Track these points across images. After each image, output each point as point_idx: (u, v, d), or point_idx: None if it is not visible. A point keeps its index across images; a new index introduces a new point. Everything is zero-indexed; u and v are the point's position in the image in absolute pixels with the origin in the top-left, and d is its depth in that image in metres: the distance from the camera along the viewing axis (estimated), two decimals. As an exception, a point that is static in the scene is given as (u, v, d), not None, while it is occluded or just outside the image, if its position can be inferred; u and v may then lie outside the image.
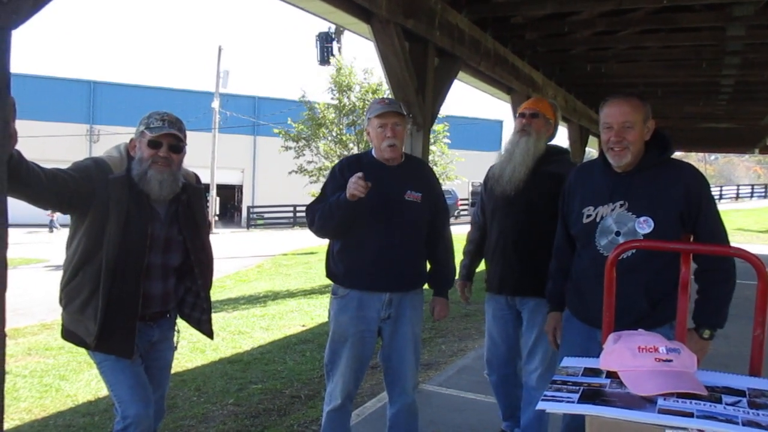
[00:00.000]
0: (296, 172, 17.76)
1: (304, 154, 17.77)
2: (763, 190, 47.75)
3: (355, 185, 2.68)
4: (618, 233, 2.40)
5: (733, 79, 8.28)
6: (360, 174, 2.71)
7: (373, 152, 3.04)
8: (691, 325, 2.34)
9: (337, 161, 16.37)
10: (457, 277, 3.33)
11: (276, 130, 18.60)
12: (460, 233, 3.33)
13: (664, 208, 2.34)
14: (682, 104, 10.91)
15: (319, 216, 2.91)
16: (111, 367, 2.54)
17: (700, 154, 51.78)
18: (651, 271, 2.37)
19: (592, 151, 14.12)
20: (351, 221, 2.86)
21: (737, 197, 43.63)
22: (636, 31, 6.38)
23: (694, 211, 2.34)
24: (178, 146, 2.59)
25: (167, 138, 2.54)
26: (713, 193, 2.59)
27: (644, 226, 2.34)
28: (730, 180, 62.11)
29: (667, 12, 5.62)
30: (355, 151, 16.14)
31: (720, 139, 17.30)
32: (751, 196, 45.04)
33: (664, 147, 2.44)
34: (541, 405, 1.55)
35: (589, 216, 2.50)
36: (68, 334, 2.59)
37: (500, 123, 40.49)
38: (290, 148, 18.15)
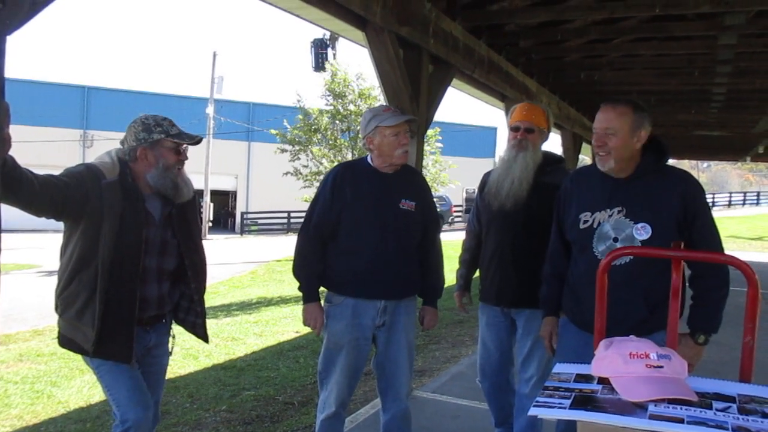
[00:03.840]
0: (291, 174, 17.76)
1: (299, 158, 17.79)
2: (755, 197, 48.01)
3: (310, 325, 3.00)
4: (616, 239, 2.41)
5: (725, 87, 8.35)
6: (317, 330, 3.00)
7: (369, 159, 3.04)
8: (685, 330, 2.36)
9: (329, 166, 16.34)
10: (447, 285, 3.33)
11: (273, 132, 18.60)
12: (454, 240, 3.32)
13: (661, 214, 2.35)
14: (675, 112, 10.99)
15: (298, 256, 3.02)
16: (109, 371, 2.53)
17: (693, 162, 52.07)
18: (649, 277, 2.37)
19: (585, 159, 14.18)
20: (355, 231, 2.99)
21: (729, 204, 43.83)
22: (629, 40, 6.43)
23: (690, 218, 2.35)
24: (186, 149, 2.68)
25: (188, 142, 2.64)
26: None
27: (642, 232, 2.34)
28: (723, 187, 62.41)
29: (660, 21, 5.67)
30: (349, 157, 16.13)
31: (712, 147, 17.42)
32: (743, 204, 45.26)
33: (660, 154, 2.45)
34: (533, 411, 1.56)
35: (586, 222, 2.50)
36: (66, 342, 2.57)
37: (494, 130, 40.57)
38: (286, 150, 18.16)
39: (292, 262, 3.06)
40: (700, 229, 2.36)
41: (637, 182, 2.42)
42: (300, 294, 3.03)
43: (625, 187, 2.43)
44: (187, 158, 2.66)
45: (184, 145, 2.63)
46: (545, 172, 3.16)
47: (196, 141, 2.66)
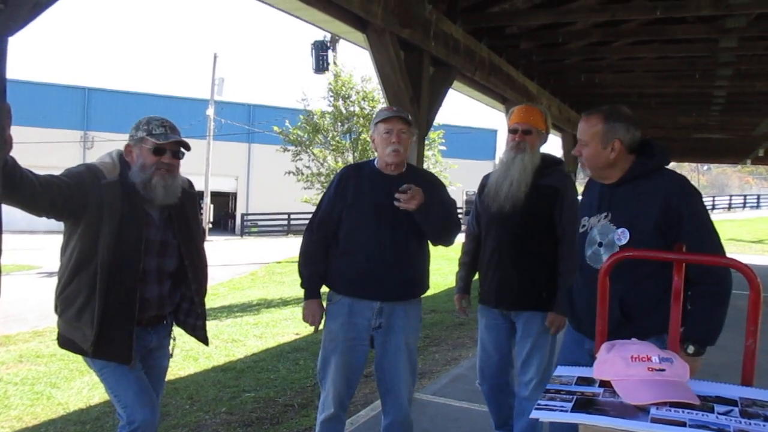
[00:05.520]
0: (293, 173, 17.77)
1: (301, 159, 17.81)
2: (755, 200, 48.01)
3: (310, 321, 3.02)
4: (600, 244, 2.41)
5: (726, 90, 8.36)
6: (314, 325, 3.03)
7: (375, 162, 3.05)
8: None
9: (332, 167, 16.18)
10: (447, 287, 3.32)
11: (276, 129, 18.58)
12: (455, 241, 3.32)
13: (639, 219, 2.31)
14: (675, 115, 11.00)
15: (301, 255, 3.07)
16: (113, 373, 2.53)
17: (693, 165, 52.09)
18: (626, 282, 2.31)
19: (585, 161, 14.18)
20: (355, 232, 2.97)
21: (730, 207, 43.85)
22: (629, 42, 6.44)
23: (673, 222, 2.26)
24: (179, 152, 2.62)
25: (172, 145, 2.57)
26: (706, 204, 2.55)
27: (621, 237, 2.32)
28: (723, 190, 62.44)
29: (661, 23, 5.67)
30: (350, 158, 16.14)
31: (713, 150, 17.42)
32: (744, 207, 45.28)
33: (649, 157, 2.41)
34: (534, 414, 1.55)
35: (583, 226, 2.52)
36: (65, 342, 2.57)
37: (494, 132, 40.59)
38: (288, 150, 18.17)
39: (297, 260, 3.09)
40: (689, 234, 2.23)
41: (624, 187, 2.40)
42: (300, 295, 3.04)
43: (613, 192, 2.43)
44: (169, 162, 2.56)
45: (167, 149, 2.55)
46: (544, 174, 3.17)
47: (180, 143, 2.58)
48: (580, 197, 2.82)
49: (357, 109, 16.16)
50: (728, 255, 2.08)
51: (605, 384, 1.68)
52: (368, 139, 3.09)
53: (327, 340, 3.01)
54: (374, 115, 3.05)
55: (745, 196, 49.85)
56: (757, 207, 45.93)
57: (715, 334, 2.25)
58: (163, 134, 2.55)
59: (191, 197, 2.80)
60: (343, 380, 2.97)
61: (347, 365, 2.96)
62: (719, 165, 53.79)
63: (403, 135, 2.93)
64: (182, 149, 2.63)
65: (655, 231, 2.28)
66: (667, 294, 1.99)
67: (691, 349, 2.22)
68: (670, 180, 2.36)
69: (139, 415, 2.49)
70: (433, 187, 3.06)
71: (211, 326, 7.59)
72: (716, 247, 2.29)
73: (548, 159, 3.27)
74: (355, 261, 2.92)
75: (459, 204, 30.95)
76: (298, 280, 3.09)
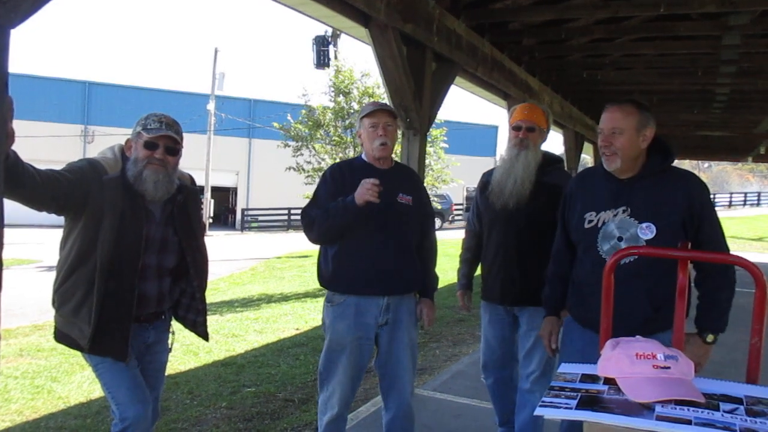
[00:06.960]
0: (294, 168, 17.73)
1: (302, 154, 17.79)
2: (756, 197, 47.99)
3: (370, 190, 2.71)
4: (620, 239, 2.41)
5: (728, 87, 8.33)
6: (375, 181, 2.73)
7: (363, 156, 3.05)
8: (693, 330, 2.36)
9: (332, 163, 16.18)
10: (448, 283, 3.31)
11: (276, 125, 18.53)
12: (455, 238, 3.32)
13: (666, 214, 2.36)
14: (677, 112, 10.97)
15: (320, 221, 2.87)
16: (108, 369, 2.52)
17: (694, 162, 52.03)
18: (654, 276, 2.38)
19: (586, 158, 14.17)
20: (351, 226, 2.86)
21: (730, 205, 43.82)
22: (632, 39, 6.42)
23: (696, 219, 2.36)
24: (174, 148, 2.58)
25: (163, 140, 2.54)
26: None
27: (647, 232, 2.35)
28: (723, 188, 62.38)
29: (664, 20, 5.65)
30: (351, 154, 16.12)
31: (714, 147, 17.42)
32: (744, 204, 45.26)
33: (665, 154, 2.46)
34: (539, 411, 1.55)
35: (590, 221, 2.51)
36: (61, 337, 2.56)
37: (495, 128, 40.53)
38: (289, 145, 18.12)
39: (318, 233, 2.90)
40: (707, 230, 2.37)
41: (643, 182, 2.43)
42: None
43: (630, 187, 2.44)
44: (161, 157, 2.52)
45: (160, 144, 2.53)
46: (546, 172, 3.19)
47: (172, 139, 2.55)
48: None
49: (357, 106, 16.12)
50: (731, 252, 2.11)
51: (610, 381, 1.67)
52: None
53: (333, 342, 2.97)
54: (360, 111, 3.06)
55: (745, 193, 49.78)
56: (758, 204, 45.90)
57: (727, 322, 2.41)
58: (156, 129, 2.53)
59: (193, 193, 2.78)
60: (349, 380, 2.96)
61: (354, 365, 2.95)
62: (719, 162, 53.78)
63: (389, 128, 2.95)
64: (176, 146, 2.58)
65: (680, 226, 2.36)
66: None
67: (710, 337, 2.38)
68: (690, 177, 2.46)
69: (131, 411, 2.48)
70: (418, 185, 3.18)
71: (212, 321, 7.59)
72: (726, 243, 2.44)
73: (549, 157, 3.30)
74: (357, 258, 2.91)
75: (459, 200, 31.01)
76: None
